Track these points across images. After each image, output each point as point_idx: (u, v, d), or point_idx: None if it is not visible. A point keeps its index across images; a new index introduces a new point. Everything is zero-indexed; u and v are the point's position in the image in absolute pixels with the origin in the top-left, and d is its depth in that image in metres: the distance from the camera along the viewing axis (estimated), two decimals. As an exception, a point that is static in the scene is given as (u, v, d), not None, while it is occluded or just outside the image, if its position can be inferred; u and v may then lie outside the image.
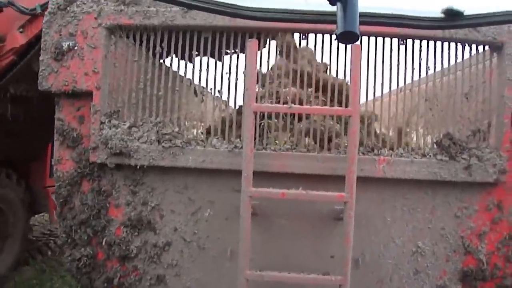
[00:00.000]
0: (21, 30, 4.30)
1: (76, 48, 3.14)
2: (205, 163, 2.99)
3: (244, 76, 2.96)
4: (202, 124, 3.58)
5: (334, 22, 1.18)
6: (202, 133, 3.16)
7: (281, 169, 2.93)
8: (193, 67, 3.18)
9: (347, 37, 1.16)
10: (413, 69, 3.12)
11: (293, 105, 2.86)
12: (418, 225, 3.05)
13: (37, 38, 3.35)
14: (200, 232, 3.09)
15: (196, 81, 3.24)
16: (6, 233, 6.81)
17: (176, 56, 3.21)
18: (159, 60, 3.26)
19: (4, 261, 6.74)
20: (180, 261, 3.11)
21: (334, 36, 3.00)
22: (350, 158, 2.67)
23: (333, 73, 3.23)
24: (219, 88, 3.17)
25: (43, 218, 9.06)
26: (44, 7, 3.29)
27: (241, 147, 2.92)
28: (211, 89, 3.23)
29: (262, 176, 2.82)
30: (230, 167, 2.95)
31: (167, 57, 3.26)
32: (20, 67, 4.55)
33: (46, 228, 9.06)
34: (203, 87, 3.29)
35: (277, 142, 3.07)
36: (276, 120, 3.14)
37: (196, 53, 3.19)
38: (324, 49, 3.11)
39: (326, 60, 3.16)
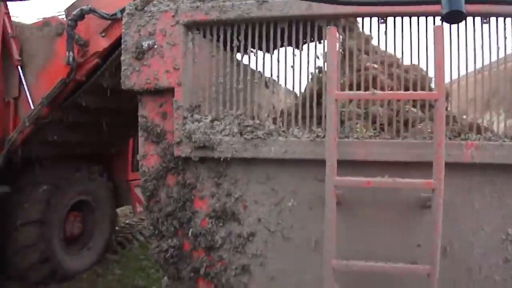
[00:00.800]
0: (103, 34, 4.52)
1: (156, 46, 3.23)
2: (287, 154, 2.99)
3: (325, 64, 2.93)
4: (280, 116, 3.58)
5: (437, 2, 1.15)
6: (282, 123, 3.15)
7: (365, 157, 2.87)
8: (271, 58, 3.19)
9: (453, 17, 1.13)
10: (498, 48, 2.98)
11: (376, 91, 2.80)
12: (508, 211, 2.89)
13: (119, 41, 3.50)
14: (283, 222, 3.10)
15: (274, 72, 3.23)
16: (93, 228, 7.24)
17: (253, 49, 3.23)
18: (237, 54, 3.29)
19: (90, 255, 7.20)
20: (264, 251, 3.15)
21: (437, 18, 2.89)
22: (437, 143, 2.59)
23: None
24: (297, 77, 3.16)
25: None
26: (124, 11, 3.41)
27: (323, 136, 2.91)
28: (286, 78, 3.22)
29: (343, 165, 2.77)
30: (312, 156, 2.93)
31: (244, 50, 3.28)
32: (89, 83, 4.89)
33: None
34: (280, 77, 3.29)
35: (357, 130, 3.02)
36: (358, 109, 3.08)
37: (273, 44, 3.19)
38: (404, 33, 3.03)
39: (406, 44, 3.06)
